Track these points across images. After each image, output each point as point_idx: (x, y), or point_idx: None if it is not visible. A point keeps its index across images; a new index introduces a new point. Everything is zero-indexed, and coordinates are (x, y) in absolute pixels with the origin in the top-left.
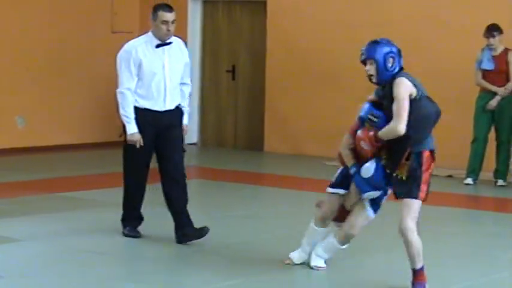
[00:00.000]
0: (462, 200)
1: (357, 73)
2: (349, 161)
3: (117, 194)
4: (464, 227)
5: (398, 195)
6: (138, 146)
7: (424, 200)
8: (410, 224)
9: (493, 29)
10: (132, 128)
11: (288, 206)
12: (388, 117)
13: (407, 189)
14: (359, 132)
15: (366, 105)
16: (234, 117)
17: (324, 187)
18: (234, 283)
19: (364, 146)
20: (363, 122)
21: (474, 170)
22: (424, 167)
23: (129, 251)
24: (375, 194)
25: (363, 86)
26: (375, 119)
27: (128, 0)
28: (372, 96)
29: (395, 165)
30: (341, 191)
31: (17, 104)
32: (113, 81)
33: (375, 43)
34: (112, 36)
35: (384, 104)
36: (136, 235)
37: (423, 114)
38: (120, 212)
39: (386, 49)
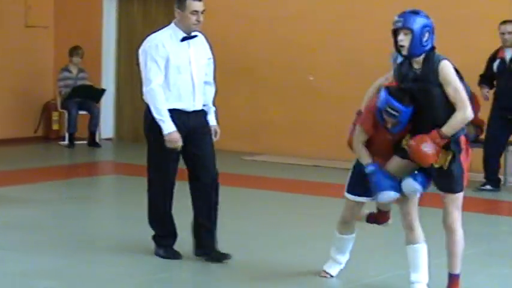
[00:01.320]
0: None
1: (272, 68)
2: (365, 158)
3: (29, 191)
4: None
5: (441, 189)
6: (179, 146)
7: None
8: (458, 216)
9: None
10: (169, 127)
11: None
12: (415, 106)
13: (452, 183)
14: (417, 137)
15: (383, 94)
16: None
17: (241, 182)
18: (157, 278)
19: (427, 148)
20: (380, 113)
21: None
22: (463, 154)
23: (46, 248)
24: (393, 196)
25: (278, 82)
26: (395, 113)
27: None
28: (384, 79)
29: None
30: (361, 199)
31: None
32: (27, 76)
33: (414, 13)
34: (26, 30)
35: (411, 87)
36: (176, 256)
37: None
38: (31, 208)
39: (425, 21)
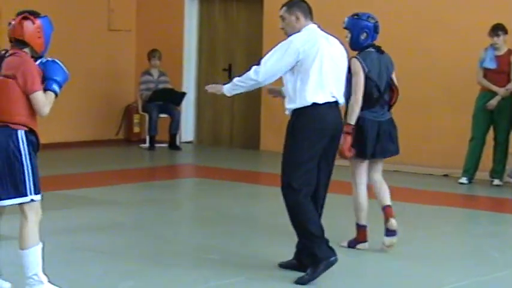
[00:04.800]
0: (457, 200)
1: None
2: None
3: (110, 193)
4: (459, 227)
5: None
6: None
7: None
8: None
9: (498, 29)
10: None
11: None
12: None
13: None
14: None
15: None
16: (230, 115)
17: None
18: (233, 281)
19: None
20: None
21: (469, 169)
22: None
23: (125, 249)
24: None
25: None
26: None
27: None
28: None
29: None
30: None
31: None
32: (109, 79)
33: (355, 16)
34: (109, 33)
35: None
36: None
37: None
38: (111, 210)
39: (362, 24)
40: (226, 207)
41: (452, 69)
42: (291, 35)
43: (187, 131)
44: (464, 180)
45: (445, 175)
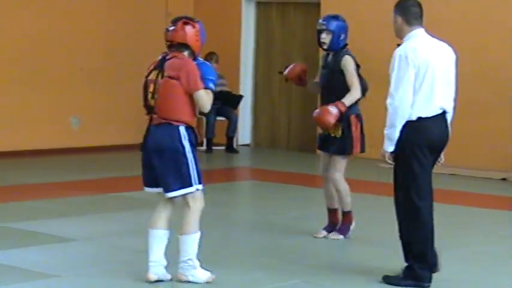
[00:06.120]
0: None
1: None
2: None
3: None
4: None
5: (330, 151)
6: None
7: (358, 152)
8: (338, 176)
9: None
10: None
11: None
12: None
13: (341, 146)
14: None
15: None
16: (287, 118)
17: (380, 189)
18: (288, 284)
19: (332, 108)
20: None
21: None
22: (353, 128)
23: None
24: None
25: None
26: None
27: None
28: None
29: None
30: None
31: (71, 104)
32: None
33: (334, 18)
34: None
35: (322, 72)
36: None
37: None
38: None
39: (342, 24)
40: (283, 209)
41: (509, 70)
42: (399, 46)
43: (244, 134)
44: None
45: (503, 179)
